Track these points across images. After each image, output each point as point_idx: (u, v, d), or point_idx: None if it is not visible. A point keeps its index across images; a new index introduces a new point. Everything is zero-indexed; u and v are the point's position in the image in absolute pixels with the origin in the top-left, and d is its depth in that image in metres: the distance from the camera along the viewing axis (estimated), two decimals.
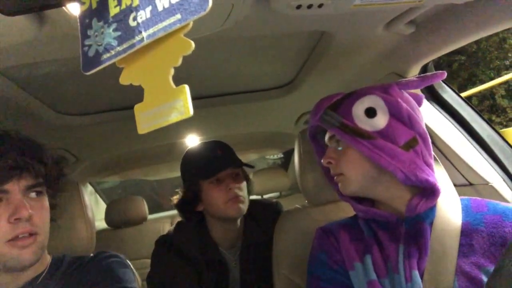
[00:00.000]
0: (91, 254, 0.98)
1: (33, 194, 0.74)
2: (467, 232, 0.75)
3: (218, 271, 1.20)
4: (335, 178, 0.85)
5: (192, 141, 1.80)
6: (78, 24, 0.39)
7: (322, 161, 0.86)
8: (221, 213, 1.18)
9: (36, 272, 0.80)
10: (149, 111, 0.36)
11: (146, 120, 0.37)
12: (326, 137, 0.86)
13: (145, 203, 2.39)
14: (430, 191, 0.77)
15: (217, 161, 1.18)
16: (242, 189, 1.19)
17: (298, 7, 0.68)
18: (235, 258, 1.25)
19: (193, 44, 0.33)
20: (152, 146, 1.74)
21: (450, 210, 0.78)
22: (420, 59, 1.07)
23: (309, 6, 0.68)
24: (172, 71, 0.35)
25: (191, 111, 0.33)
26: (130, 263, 0.93)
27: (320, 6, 0.68)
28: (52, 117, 1.16)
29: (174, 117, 0.34)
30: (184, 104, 0.33)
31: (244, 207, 1.19)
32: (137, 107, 0.38)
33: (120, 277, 0.81)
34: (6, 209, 0.69)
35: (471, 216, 0.77)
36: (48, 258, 0.85)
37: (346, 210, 1.01)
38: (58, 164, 0.83)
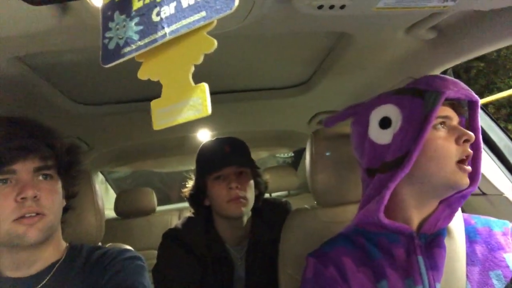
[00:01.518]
0: (107, 245, 0.99)
1: (41, 177, 0.76)
2: (468, 243, 0.77)
3: (224, 267, 1.21)
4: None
5: (204, 135, 1.81)
6: (100, 16, 0.39)
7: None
8: (223, 212, 1.18)
9: (51, 259, 0.81)
10: (166, 108, 0.36)
11: (162, 116, 0.37)
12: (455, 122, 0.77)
13: (154, 194, 2.41)
14: (455, 200, 0.75)
15: (221, 158, 1.18)
16: (245, 189, 1.18)
17: (320, 7, 0.67)
18: (241, 255, 1.25)
19: (215, 43, 0.33)
20: (164, 138, 1.75)
21: (456, 221, 0.79)
22: (440, 65, 1.05)
23: (331, 7, 0.67)
24: (192, 69, 0.35)
25: (209, 110, 0.33)
26: None
27: (342, 7, 0.67)
28: (67, 105, 1.18)
29: (191, 115, 0.34)
30: (202, 102, 0.33)
31: (246, 209, 1.18)
32: (154, 103, 0.38)
33: (143, 285, 0.81)
34: (13, 189, 0.71)
35: (466, 229, 0.79)
36: (63, 245, 0.86)
37: (354, 213, 1.00)
38: (71, 151, 0.84)
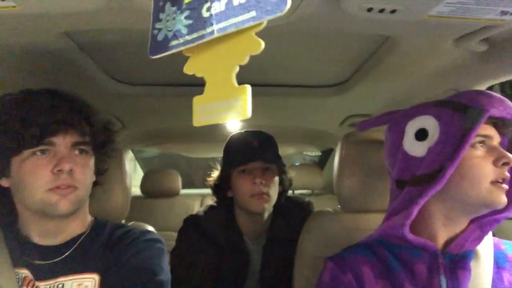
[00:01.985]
0: (130, 223, 1.01)
1: (77, 151, 0.78)
2: (495, 269, 0.74)
3: (240, 259, 1.22)
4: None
5: (234, 125, 1.81)
6: (152, 5, 0.39)
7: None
8: (245, 205, 1.19)
9: (76, 231, 0.84)
10: (207, 105, 0.36)
11: (203, 113, 0.37)
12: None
13: (179, 177, 2.46)
14: (488, 223, 0.72)
15: (248, 152, 1.18)
16: (269, 186, 1.17)
17: (369, 10, 0.65)
18: (258, 249, 1.25)
19: (262, 45, 0.32)
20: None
21: (485, 244, 0.76)
22: (486, 79, 1.00)
23: (381, 11, 0.65)
24: (237, 69, 0.35)
25: (249, 113, 0.32)
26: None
27: (392, 11, 0.65)
28: (107, 83, 1.21)
29: (231, 116, 0.34)
30: (243, 104, 0.33)
31: (268, 205, 1.18)
32: (196, 99, 0.38)
33: (161, 268, 0.82)
34: (50, 160, 0.74)
35: (495, 254, 0.76)
36: (89, 219, 0.89)
37: (378, 222, 0.98)
38: (107, 129, 0.87)
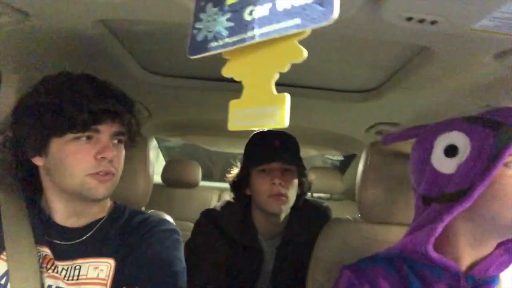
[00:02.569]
0: (149, 211, 1.02)
1: (116, 141, 0.81)
2: None
3: (253, 257, 1.22)
4: None
5: None
6: (193, 3, 0.39)
7: None
8: (262, 205, 1.18)
9: (98, 215, 0.86)
10: (244, 110, 0.36)
11: (239, 118, 0.37)
12: None
13: (200, 169, 2.48)
14: None
15: (269, 152, 1.17)
16: (288, 187, 1.17)
17: (409, 19, 0.63)
18: (272, 250, 1.25)
19: (305, 54, 0.32)
20: (220, 119, 1.78)
21: (508, 271, 0.73)
22: None
23: (421, 21, 0.63)
24: (276, 76, 0.34)
25: (286, 123, 0.32)
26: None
27: (433, 23, 0.63)
28: (137, 72, 1.23)
29: (268, 124, 0.33)
30: (281, 113, 0.32)
31: (286, 207, 1.17)
32: (232, 103, 0.38)
33: (177, 258, 0.84)
34: (94, 146, 0.76)
35: None
36: (109, 203, 0.91)
37: (397, 235, 0.96)
38: (138, 121, 0.88)
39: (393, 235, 1.01)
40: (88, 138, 0.76)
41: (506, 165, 0.66)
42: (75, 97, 0.73)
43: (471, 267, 0.71)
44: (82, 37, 0.90)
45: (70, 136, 0.75)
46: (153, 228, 0.86)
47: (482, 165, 0.65)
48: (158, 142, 2.82)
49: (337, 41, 0.93)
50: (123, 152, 0.84)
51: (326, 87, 1.31)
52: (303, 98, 1.37)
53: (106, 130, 0.78)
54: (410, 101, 1.22)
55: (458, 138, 0.71)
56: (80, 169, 0.75)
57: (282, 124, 0.33)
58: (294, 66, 1.17)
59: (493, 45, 0.76)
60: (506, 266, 0.71)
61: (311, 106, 1.48)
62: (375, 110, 1.39)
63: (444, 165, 0.71)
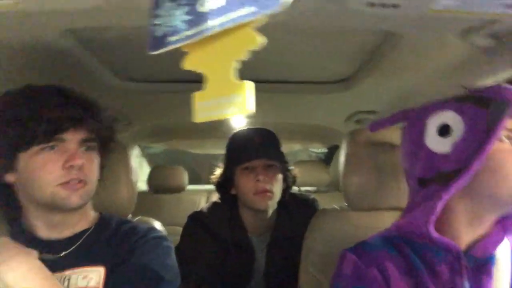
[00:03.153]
0: (136, 218, 1.02)
1: (85, 148, 0.79)
2: None
3: (244, 256, 1.22)
4: None
5: (239, 122, 1.82)
6: (150, 1, 0.39)
7: None
8: (249, 203, 1.19)
9: (81, 226, 0.85)
10: (208, 101, 0.36)
11: (203, 109, 0.37)
12: None
13: (186, 174, 2.47)
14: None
15: (251, 150, 1.18)
16: (273, 183, 1.17)
17: (371, 4, 0.64)
18: (262, 246, 1.26)
19: (262, 40, 0.32)
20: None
21: (503, 247, 0.73)
22: (494, 75, 0.99)
23: (383, 5, 0.65)
24: (236, 64, 0.35)
25: (249, 109, 0.32)
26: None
27: (395, 6, 0.64)
28: (111, 80, 1.21)
29: (232, 112, 0.34)
30: (243, 100, 0.33)
31: (272, 202, 1.18)
32: (196, 95, 0.38)
33: (169, 266, 0.83)
34: (61, 156, 0.75)
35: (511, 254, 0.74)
36: (93, 214, 0.89)
37: (387, 221, 0.97)
38: (112, 126, 0.88)
39: (381, 221, 1.02)
40: (53, 147, 0.75)
41: (500, 139, 0.67)
42: (35, 108, 0.73)
43: (471, 246, 0.71)
44: (50, 49, 0.88)
45: (35, 148, 0.74)
46: (143, 237, 0.85)
47: (476, 142, 0.65)
48: (141, 150, 2.79)
49: (307, 33, 0.94)
50: (96, 159, 0.83)
51: (301, 80, 1.32)
52: (280, 93, 1.37)
53: (71, 138, 0.77)
54: (385, 87, 1.24)
55: (450, 117, 0.71)
56: (50, 180, 0.74)
57: (245, 110, 0.33)
58: (269, 62, 1.18)
59: (457, 25, 0.78)
60: (500, 242, 0.71)
61: (289, 100, 1.49)
62: (352, 100, 1.40)
63: (439, 145, 0.71)
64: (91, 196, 0.83)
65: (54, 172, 0.74)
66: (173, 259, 0.86)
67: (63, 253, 0.80)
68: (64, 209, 0.78)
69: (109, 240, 0.85)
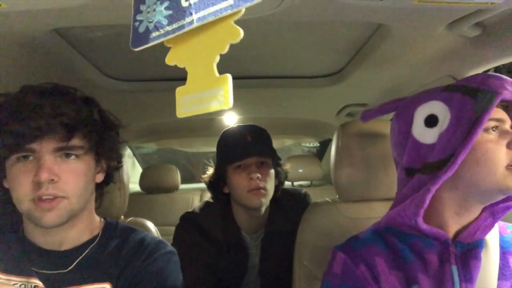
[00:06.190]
0: (128, 219, 0.99)
1: (64, 156, 0.71)
2: (502, 255, 0.72)
3: (238, 254, 1.22)
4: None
5: (231, 119, 1.81)
6: None
7: None
8: (242, 201, 1.18)
9: (82, 238, 0.79)
10: (190, 96, 0.36)
11: (186, 104, 0.36)
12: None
13: (178, 172, 2.46)
14: (500, 210, 0.71)
15: (243, 148, 1.16)
16: (266, 180, 1.17)
17: None
18: (256, 244, 1.25)
19: (242, 33, 0.31)
20: (191, 119, 1.77)
21: (492, 232, 0.74)
22: (482, 64, 1.00)
23: None
24: (217, 58, 0.34)
25: (230, 103, 0.32)
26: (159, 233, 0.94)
27: None
28: (100, 79, 1.20)
29: (213, 106, 0.33)
30: (224, 94, 0.32)
31: (266, 199, 1.17)
32: (178, 90, 0.38)
33: (180, 282, 0.81)
34: (33, 167, 0.68)
35: (500, 239, 0.74)
36: (97, 222, 0.83)
37: (378, 211, 0.98)
38: (111, 127, 0.82)
39: (373, 211, 1.03)
40: (26, 158, 0.69)
41: (485, 130, 0.67)
42: (7, 118, 0.68)
43: (458, 233, 0.72)
44: (38, 49, 0.87)
45: (13, 157, 0.69)
46: (154, 253, 0.80)
47: (462, 132, 0.66)
48: (132, 150, 2.77)
49: (296, 27, 0.94)
50: (80, 166, 0.73)
51: (293, 75, 1.32)
52: (272, 88, 1.37)
53: (42, 149, 0.68)
54: (375, 80, 1.25)
55: (437, 108, 0.71)
56: (22, 193, 0.68)
57: (227, 104, 0.33)
58: (259, 58, 1.18)
59: (443, 16, 0.78)
60: (490, 228, 0.71)
61: (280, 95, 1.48)
62: (342, 93, 1.41)
63: (425, 135, 0.71)
64: (81, 208, 0.75)
65: (24, 185, 0.67)
66: (180, 273, 0.83)
67: (67, 269, 0.75)
68: (43, 227, 0.70)
69: (116, 253, 0.79)
